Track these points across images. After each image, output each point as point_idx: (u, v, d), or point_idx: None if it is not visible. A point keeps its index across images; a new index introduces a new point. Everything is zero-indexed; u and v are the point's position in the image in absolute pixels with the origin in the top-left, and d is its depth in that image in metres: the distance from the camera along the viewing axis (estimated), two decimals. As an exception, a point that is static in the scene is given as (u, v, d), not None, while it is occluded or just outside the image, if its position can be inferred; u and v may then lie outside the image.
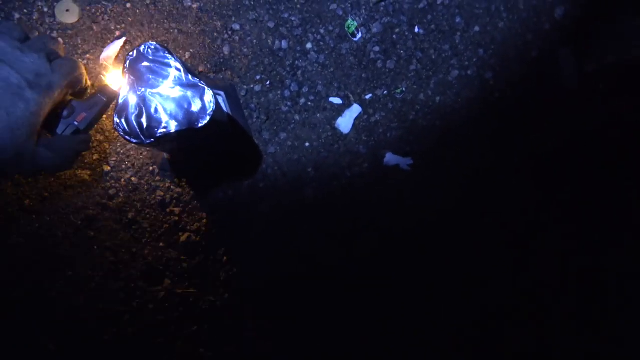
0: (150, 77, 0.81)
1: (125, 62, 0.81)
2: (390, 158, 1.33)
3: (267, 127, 1.29)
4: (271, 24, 1.26)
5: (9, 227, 1.19)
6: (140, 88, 0.81)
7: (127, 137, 0.81)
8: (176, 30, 1.25)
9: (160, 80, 0.81)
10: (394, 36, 1.30)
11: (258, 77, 1.25)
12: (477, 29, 1.32)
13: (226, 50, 1.25)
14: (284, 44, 1.26)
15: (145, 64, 0.81)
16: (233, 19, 1.26)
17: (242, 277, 1.29)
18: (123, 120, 0.81)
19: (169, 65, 0.81)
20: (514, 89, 1.37)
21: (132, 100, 0.81)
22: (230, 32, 1.26)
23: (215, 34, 1.26)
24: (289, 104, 1.28)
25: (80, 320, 1.23)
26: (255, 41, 1.26)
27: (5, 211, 1.18)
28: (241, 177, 1.29)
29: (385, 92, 1.31)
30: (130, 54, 0.81)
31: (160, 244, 1.23)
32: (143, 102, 0.80)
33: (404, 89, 1.32)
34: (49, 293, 1.21)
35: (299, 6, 1.27)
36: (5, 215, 1.18)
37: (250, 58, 1.26)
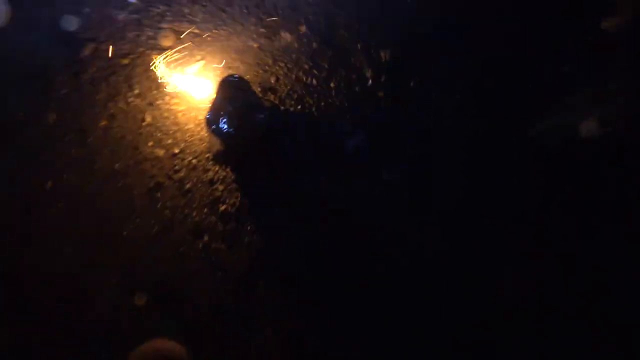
0: (234, 95, 1.30)
1: (220, 83, 1.31)
2: (388, 170, 1.75)
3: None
4: (307, 66, 1.77)
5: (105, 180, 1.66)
6: (226, 101, 1.30)
7: (212, 131, 1.29)
8: (239, 61, 1.76)
9: (240, 98, 1.30)
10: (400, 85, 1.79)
11: (293, 102, 1.75)
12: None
13: (272, 79, 1.75)
14: (314, 81, 1.76)
15: (231, 86, 1.31)
16: (281, 57, 1.77)
17: (257, 260, 1.69)
18: (212, 119, 1.29)
19: (245, 90, 1.31)
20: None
21: (220, 108, 1.30)
22: (277, 67, 1.76)
23: (267, 67, 1.76)
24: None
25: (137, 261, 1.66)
26: (294, 76, 1.76)
27: (104, 170, 1.65)
28: (270, 174, 1.75)
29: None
30: (223, 78, 1.31)
31: (205, 210, 1.69)
32: (227, 110, 1.29)
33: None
34: (119, 237, 1.66)
35: (328, 56, 1.77)
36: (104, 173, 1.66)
37: (289, 87, 1.75)
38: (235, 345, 1.61)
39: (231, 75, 1.31)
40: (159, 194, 1.68)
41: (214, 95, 1.32)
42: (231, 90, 1.31)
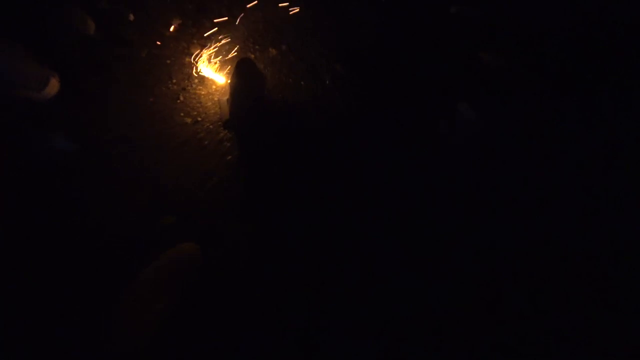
0: (242, 78, 2.28)
1: (236, 66, 2.28)
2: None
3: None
4: (285, 71, 2.78)
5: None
6: (238, 84, 2.27)
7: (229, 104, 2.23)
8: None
9: (244, 82, 2.28)
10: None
11: (276, 94, 2.73)
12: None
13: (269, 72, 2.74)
14: (290, 80, 2.77)
15: (241, 71, 2.28)
16: (269, 65, 2.77)
17: (252, 193, 2.60)
18: (227, 98, 2.25)
19: (253, 76, 2.29)
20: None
21: (231, 88, 2.26)
22: (266, 70, 2.76)
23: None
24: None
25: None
26: (276, 77, 2.77)
27: (149, 129, 2.50)
28: (262, 137, 2.69)
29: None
30: (238, 62, 2.28)
31: (216, 159, 2.55)
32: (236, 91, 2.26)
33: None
34: (152, 172, 2.47)
35: (299, 66, 2.81)
36: (148, 130, 2.50)
37: (273, 85, 2.74)
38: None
39: (243, 60, 2.27)
40: (185, 147, 2.54)
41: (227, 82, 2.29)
42: (242, 74, 2.27)
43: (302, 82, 2.75)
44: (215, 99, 2.65)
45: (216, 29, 2.73)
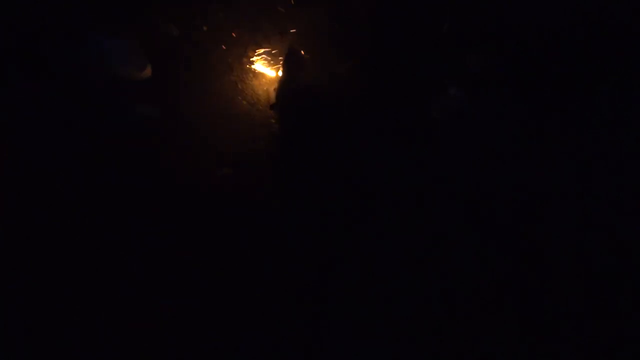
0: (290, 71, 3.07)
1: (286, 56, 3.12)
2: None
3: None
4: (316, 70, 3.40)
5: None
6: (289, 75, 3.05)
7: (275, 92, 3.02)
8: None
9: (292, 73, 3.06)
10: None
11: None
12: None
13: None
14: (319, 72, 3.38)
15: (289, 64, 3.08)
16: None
17: (291, 149, 3.32)
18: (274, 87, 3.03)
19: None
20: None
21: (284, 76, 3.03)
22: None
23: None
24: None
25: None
26: (310, 74, 3.40)
27: (214, 107, 3.45)
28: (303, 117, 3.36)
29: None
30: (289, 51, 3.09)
31: (264, 129, 3.35)
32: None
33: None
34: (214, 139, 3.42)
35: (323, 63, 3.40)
36: (213, 108, 3.45)
37: (316, 69, 3.38)
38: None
39: (292, 52, 2.80)
40: (240, 120, 3.37)
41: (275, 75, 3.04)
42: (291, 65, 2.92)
43: (328, 73, 3.35)
44: (265, 88, 3.49)
45: (268, 49, 3.54)
